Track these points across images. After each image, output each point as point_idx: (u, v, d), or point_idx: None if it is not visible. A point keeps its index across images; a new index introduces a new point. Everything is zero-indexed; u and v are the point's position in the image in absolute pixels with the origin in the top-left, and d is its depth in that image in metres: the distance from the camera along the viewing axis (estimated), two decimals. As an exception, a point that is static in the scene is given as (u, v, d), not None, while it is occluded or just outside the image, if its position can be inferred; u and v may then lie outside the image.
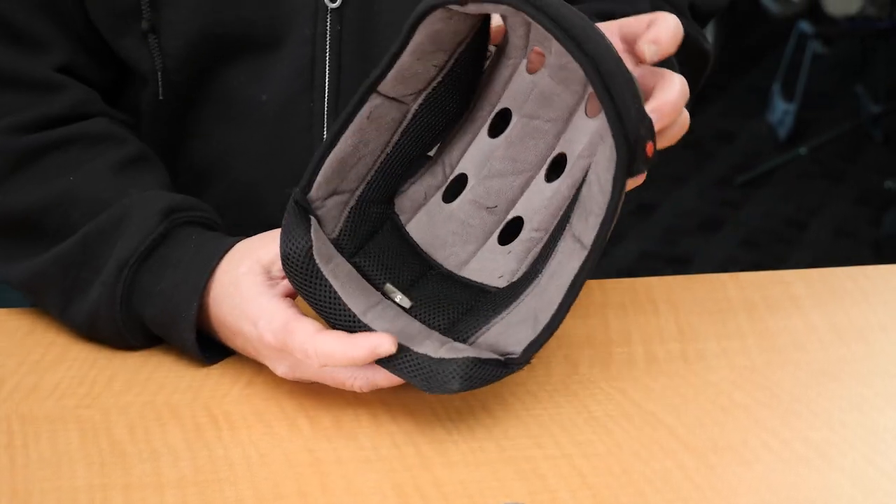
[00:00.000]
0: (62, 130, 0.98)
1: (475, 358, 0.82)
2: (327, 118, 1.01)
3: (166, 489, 0.80)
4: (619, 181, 0.79)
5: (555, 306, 0.82)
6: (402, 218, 0.91)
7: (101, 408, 0.88)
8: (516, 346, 0.83)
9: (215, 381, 0.91)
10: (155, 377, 0.91)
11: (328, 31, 0.99)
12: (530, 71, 0.89)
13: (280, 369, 0.87)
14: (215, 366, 0.93)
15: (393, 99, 0.85)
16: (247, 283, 0.88)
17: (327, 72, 1.00)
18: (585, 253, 0.82)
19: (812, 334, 1.01)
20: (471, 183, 0.91)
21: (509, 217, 0.91)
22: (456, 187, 0.91)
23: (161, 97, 1.01)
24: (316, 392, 0.90)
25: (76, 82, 1.01)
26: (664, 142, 0.86)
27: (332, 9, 0.99)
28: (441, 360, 0.82)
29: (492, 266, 0.90)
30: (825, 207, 3.44)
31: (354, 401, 0.89)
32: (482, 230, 0.91)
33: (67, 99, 0.99)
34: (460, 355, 0.82)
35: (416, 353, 0.83)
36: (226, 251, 0.91)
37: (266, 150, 1.02)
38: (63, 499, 0.78)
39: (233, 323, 0.88)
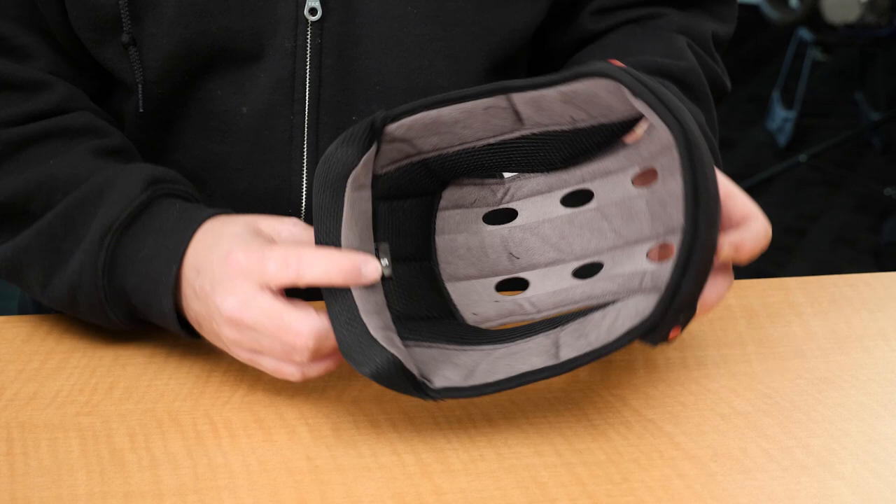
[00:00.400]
0: (44, 123, 0.98)
1: (399, 362, 0.80)
2: (307, 130, 1.01)
3: (166, 497, 0.80)
4: (629, 336, 0.79)
5: (491, 378, 0.82)
6: (442, 203, 0.90)
7: (101, 415, 0.88)
8: (441, 380, 0.82)
9: (216, 388, 0.91)
10: (155, 385, 0.91)
11: (308, 44, 0.99)
12: (634, 183, 0.88)
13: (229, 303, 0.84)
14: (216, 373, 0.93)
15: (517, 113, 0.85)
16: (231, 232, 0.87)
17: (307, 84, 1.00)
18: (553, 362, 0.81)
19: (812, 342, 1.01)
20: (515, 223, 0.91)
21: (520, 275, 0.91)
22: (501, 217, 0.92)
23: (142, 109, 1.01)
24: (316, 400, 0.90)
25: (63, 81, 1.01)
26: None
27: (312, 22, 0.99)
28: (374, 340, 0.81)
29: (475, 300, 0.90)
30: (825, 215, 3.44)
31: (354, 409, 0.89)
32: (491, 268, 0.91)
33: (54, 96, 1.00)
34: (390, 349, 0.80)
35: (360, 318, 0.81)
36: (210, 216, 0.90)
37: (246, 162, 1.02)
38: (63, 507, 0.78)
39: (201, 265, 0.87)
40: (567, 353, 0.81)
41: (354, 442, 0.86)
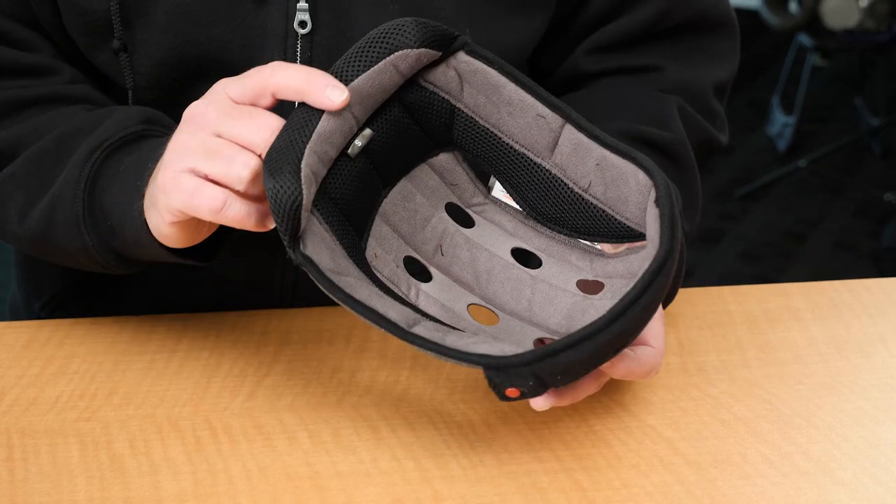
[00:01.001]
0: (45, 89, 0.99)
1: (299, 204, 0.78)
2: None
3: (166, 503, 0.80)
4: (476, 359, 0.77)
5: (350, 290, 0.79)
6: (432, 160, 0.91)
7: (101, 421, 0.88)
8: (313, 250, 0.80)
9: (215, 394, 0.91)
10: (155, 390, 0.91)
11: (298, 57, 0.99)
12: (577, 285, 0.89)
13: (196, 102, 0.84)
14: (216, 379, 0.93)
15: (556, 141, 0.86)
16: None
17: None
18: (404, 328, 0.79)
19: (812, 347, 1.01)
20: (466, 231, 0.91)
21: (429, 268, 0.90)
22: (459, 215, 0.92)
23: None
24: (316, 405, 0.90)
25: (70, 67, 1.02)
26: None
27: (302, 35, 0.98)
28: (298, 170, 0.78)
29: (383, 251, 0.89)
30: (824, 220, 3.45)
31: (354, 414, 0.89)
32: (416, 242, 0.90)
33: (62, 78, 1.01)
34: (302, 183, 0.78)
35: (303, 146, 0.80)
36: None
37: None
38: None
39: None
40: (420, 332, 0.79)
41: (354, 447, 0.86)
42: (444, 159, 0.91)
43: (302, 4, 0.97)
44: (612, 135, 1.03)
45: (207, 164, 0.81)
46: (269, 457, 0.84)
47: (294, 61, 0.99)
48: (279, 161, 0.79)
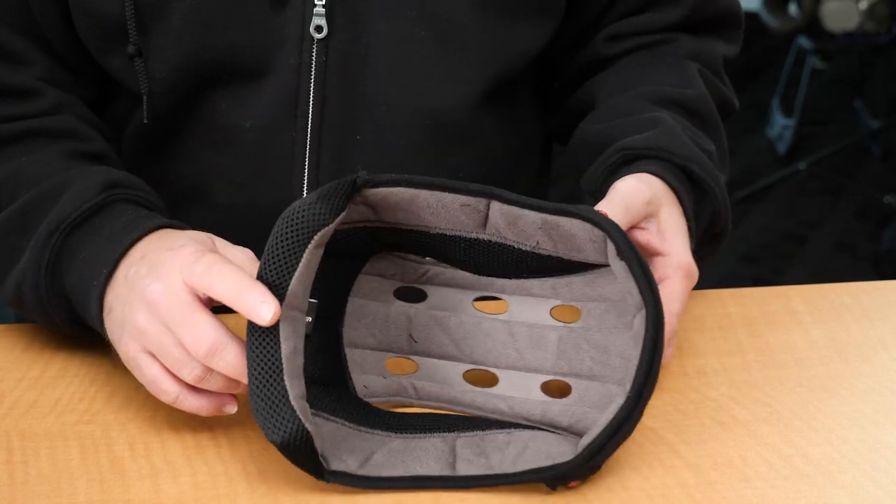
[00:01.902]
0: (25, 123, 0.98)
1: (310, 438, 0.79)
2: (309, 147, 1.01)
3: (166, 506, 0.80)
4: (535, 475, 0.81)
5: (386, 472, 0.82)
6: (365, 268, 0.91)
7: (101, 424, 0.88)
8: (337, 462, 0.81)
9: (215, 397, 0.91)
10: (155, 393, 0.91)
11: (313, 62, 0.99)
12: (552, 314, 0.89)
13: (155, 286, 0.84)
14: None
15: (486, 218, 0.86)
16: (190, 234, 0.88)
17: (311, 102, 1.00)
18: (449, 472, 0.82)
19: (812, 350, 1.01)
20: (422, 306, 0.91)
21: (413, 358, 0.91)
22: (413, 296, 0.92)
23: (146, 120, 1.01)
24: (316, 408, 0.89)
25: (55, 89, 1.01)
26: None
27: (318, 39, 0.98)
28: (292, 409, 0.79)
29: (367, 371, 0.90)
30: (824, 222, 3.44)
31: (354, 417, 0.89)
32: (389, 343, 0.91)
33: (43, 102, 1.00)
34: (304, 421, 0.79)
35: (283, 382, 0.79)
36: (161, 226, 0.90)
37: (247, 176, 1.02)
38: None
39: (148, 252, 0.87)
40: (465, 469, 0.82)
41: (354, 450, 0.86)
42: (375, 261, 0.91)
43: (319, 9, 0.97)
44: (638, 99, 1.03)
45: (162, 357, 0.84)
46: (268, 459, 0.84)
47: (309, 65, 0.99)
48: (270, 411, 0.79)
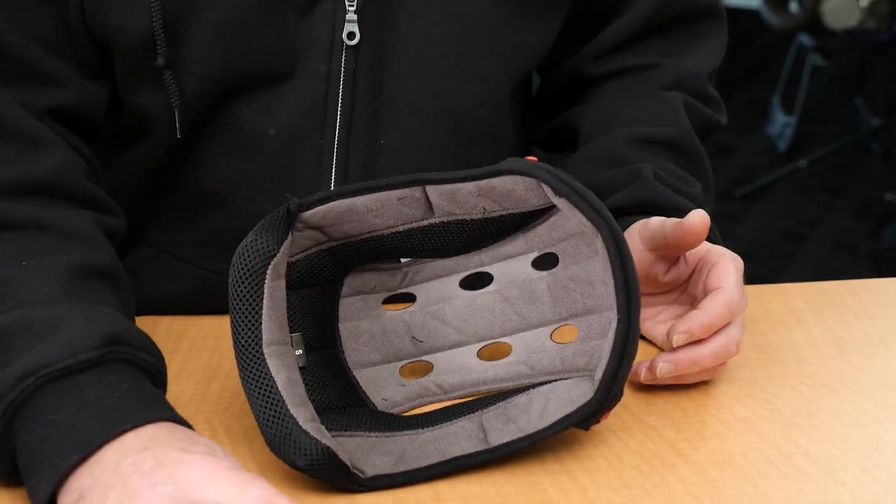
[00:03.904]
0: (38, 210, 0.88)
1: (333, 452, 0.79)
2: (336, 153, 1.01)
3: (167, 503, 0.80)
4: (565, 423, 0.82)
5: (423, 462, 0.82)
6: (344, 291, 0.91)
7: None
8: (371, 468, 0.82)
9: (216, 394, 0.91)
10: (156, 391, 0.91)
11: (343, 68, 0.99)
12: (534, 266, 0.90)
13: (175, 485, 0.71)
14: (216, 379, 0.93)
15: (429, 202, 0.86)
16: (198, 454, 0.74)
17: (339, 108, 1.00)
18: (484, 447, 0.83)
19: (813, 348, 1.01)
20: (414, 307, 0.92)
21: (425, 359, 0.92)
22: (401, 301, 0.92)
23: (179, 135, 0.99)
24: (317, 406, 0.89)
25: (62, 143, 0.94)
26: (689, 370, 0.91)
27: (348, 45, 0.98)
28: (306, 432, 0.79)
29: (382, 385, 0.91)
30: (824, 220, 3.45)
31: (355, 415, 0.89)
32: (395, 353, 0.92)
33: (51, 161, 0.92)
34: (322, 440, 0.79)
35: (289, 413, 0.80)
36: (165, 419, 0.78)
37: (271, 182, 1.02)
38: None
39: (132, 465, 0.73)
40: (497, 438, 0.83)
41: (355, 448, 0.86)
42: (351, 281, 0.91)
43: (351, 16, 0.97)
44: (619, 142, 1.04)
45: None
46: (270, 457, 0.84)
47: (339, 71, 0.98)
48: (286, 442, 0.80)
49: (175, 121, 0.99)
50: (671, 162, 1.05)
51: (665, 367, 0.90)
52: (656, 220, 0.94)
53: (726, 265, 0.93)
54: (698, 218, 0.91)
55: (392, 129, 1.01)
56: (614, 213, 0.98)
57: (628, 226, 0.97)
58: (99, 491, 0.72)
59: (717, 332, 0.91)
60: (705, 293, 0.92)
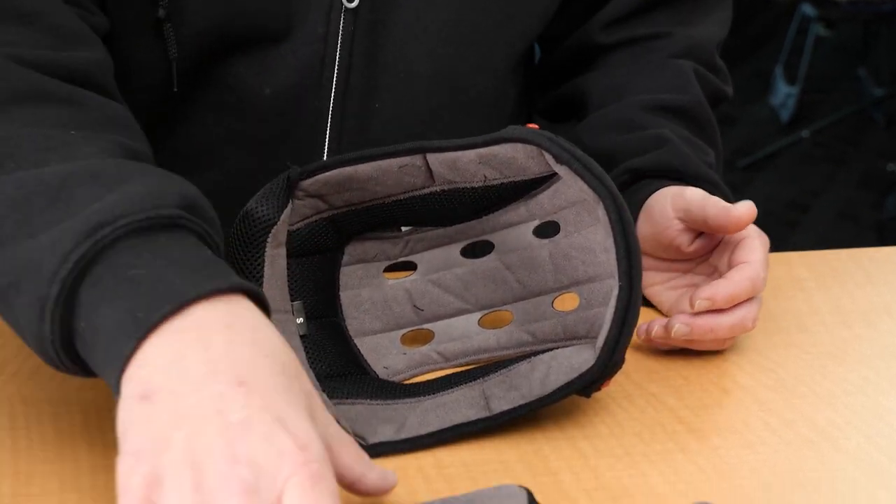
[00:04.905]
0: (81, 92, 0.81)
1: (333, 418, 0.79)
2: (332, 115, 1.01)
3: (169, 471, 0.80)
4: (566, 390, 0.82)
5: (425, 430, 0.82)
6: (344, 259, 0.91)
7: (104, 390, 0.88)
8: (373, 436, 0.82)
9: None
10: (157, 359, 0.91)
11: (341, 30, 0.98)
12: (535, 235, 0.90)
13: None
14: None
15: (430, 170, 0.86)
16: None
17: (336, 71, 0.99)
18: (486, 414, 0.82)
19: (815, 316, 1.00)
20: (416, 275, 0.92)
21: (427, 326, 0.92)
22: (402, 268, 0.92)
23: (176, 88, 0.99)
24: (318, 374, 0.89)
25: (98, 41, 0.89)
26: (704, 336, 0.91)
27: (347, 8, 0.98)
28: None
29: (383, 354, 0.90)
30: (827, 190, 3.44)
31: (357, 383, 0.89)
32: (396, 321, 0.92)
33: (91, 57, 0.86)
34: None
35: None
36: (244, 290, 0.68)
37: (265, 143, 1.02)
38: (66, 480, 0.78)
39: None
40: (499, 405, 0.83)
41: (357, 416, 0.86)
42: (352, 250, 0.91)
43: None
44: (635, 108, 1.04)
45: None
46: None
47: (336, 33, 0.98)
48: None
49: (173, 74, 0.99)
50: (685, 129, 1.05)
51: (681, 328, 0.90)
52: (696, 195, 0.94)
53: (753, 241, 0.93)
54: (747, 209, 0.92)
55: (388, 93, 1.01)
56: (636, 175, 0.98)
57: (655, 189, 0.97)
58: (172, 405, 0.61)
59: (737, 305, 0.91)
60: (730, 267, 0.92)
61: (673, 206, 0.95)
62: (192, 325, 0.64)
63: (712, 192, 0.97)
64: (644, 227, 0.97)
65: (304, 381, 0.66)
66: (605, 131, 1.05)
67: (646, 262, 0.97)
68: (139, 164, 0.73)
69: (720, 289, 0.90)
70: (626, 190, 1.00)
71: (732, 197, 1.00)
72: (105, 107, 0.82)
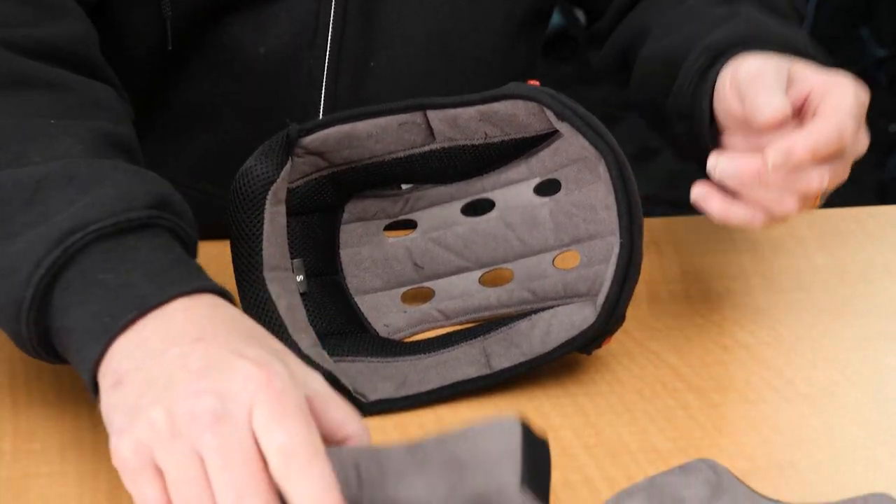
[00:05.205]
0: (64, 74, 0.82)
1: (334, 377, 0.79)
2: (326, 76, 1.00)
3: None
4: (567, 347, 0.82)
5: (425, 387, 0.82)
6: (344, 217, 0.90)
7: (103, 347, 0.88)
8: (373, 393, 0.82)
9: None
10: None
11: None
12: (536, 193, 0.90)
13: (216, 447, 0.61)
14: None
15: (430, 128, 0.86)
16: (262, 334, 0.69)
17: (330, 30, 0.99)
18: (486, 371, 0.82)
19: (816, 274, 1.00)
20: (416, 234, 0.92)
21: (428, 285, 0.91)
22: (402, 227, 0.92)
23: (170, 47, 0.99)
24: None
25: (80, 11, 0.88)
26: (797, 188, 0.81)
27: None
28: (308, 357, 0.80)
29: (384, 311, 0.90)
30: (829, 151, 3.43)
31: (357, 340, 0.89)
32: (397, 279, 0.91)
33: (72, 29, 0.86)
34: (324, 364, 0.80)
35: (291, 338, 0.80)
36: (213, 291, 0.70)
37: (259, 104, 1.01)
38: (66, 437, 0.78)
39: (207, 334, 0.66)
40: (499, 363, 0.83)
41: (357, 373, 0.86)
42: (352, 208, 0.91)
43: None
44: (700, 3, 0.96)
45: (173, 489, 0.62)
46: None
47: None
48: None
49: (167, 32, 0.98)
50: (759, 7, 0.95)
51: (778, 156, 0.78)
52: (749, 69, 0.83)
53: (845, 91, 0.82)
54: (771, 112, 0.80)
55: (382, 52, 1.00)
56: (713, 53, 0.89)
57: (726, 63, 0.87)
58: (141, 379, 0.64)
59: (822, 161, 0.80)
60: (815, 116, 0.81)
61: (730, 79, 0.85)
62: (156, 326, 0.67)
63: (806, 51, 0.89)
64: (717, 106, 0.87)
65: (272, 341, 0.68)
66: (672, 32, 0.96)
67: (737, 142, 0.86)
68: (112, 163, 0.75)
69: (799, 139, 0.78)
70: (707, 74, 0.88)
71: (827, 58, 0.91)
72: (88, 89, 0.83)
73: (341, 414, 0.66)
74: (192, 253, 0.76)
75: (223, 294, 0.71)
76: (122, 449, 0.63)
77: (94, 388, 0.68)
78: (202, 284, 0.69)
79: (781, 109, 0.80)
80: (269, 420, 0.61)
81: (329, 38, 0.99)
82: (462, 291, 0.91)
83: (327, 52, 1.00)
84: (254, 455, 0.60)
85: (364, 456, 0.63)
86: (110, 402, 0.65)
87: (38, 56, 0.82)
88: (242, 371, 0.62)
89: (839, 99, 0.81)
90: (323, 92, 1.00)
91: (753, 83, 0.82)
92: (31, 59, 0.82)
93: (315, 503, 0.59)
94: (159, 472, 0.62)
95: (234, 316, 0.69)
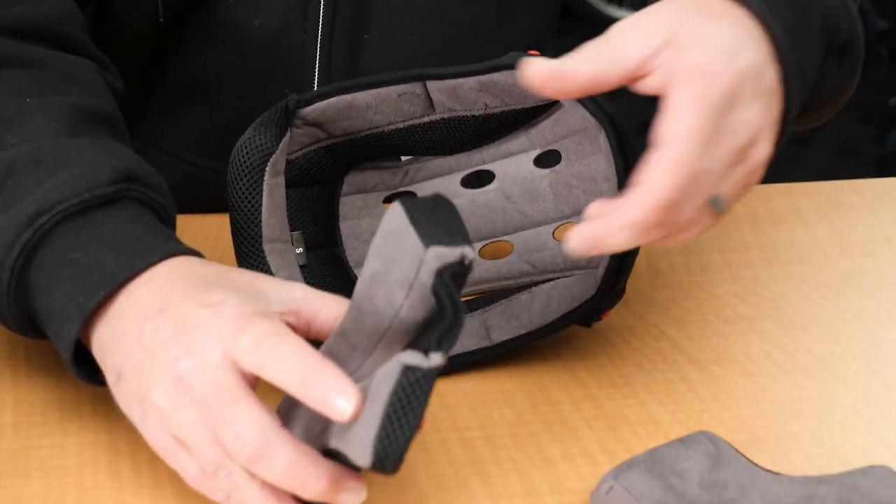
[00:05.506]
0: (40, 51, 0.83)
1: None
2: (320, 49, 1.00)
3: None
4: (567, 320, 0.82)
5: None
6: (344, 189, 0.90)
7: (103, 319, 0.88)
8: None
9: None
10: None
11: None
12: (536, 164, 0.89)
13: (185, 363, 0.66)
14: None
15: (430, 99, 0.85)
16: (234, 279, 0.71)
17: (322, 4, 0.98)
18: (486, 344, 0.83)
19: (816, 247, 1.00)
20: None
21: None
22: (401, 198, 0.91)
23: (162, 19, 0.99)
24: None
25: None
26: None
27: None
28: None
29: None
30: (829, 125, 3.42)
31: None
32: None
33: (53, 6, 0.86)
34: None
35: None
36: (185, 253, 0.73)
37: (255, 77, 1.01)
38: (66, 408, 0.78)
39: (169, 304, 0.69)
40: (500, 335, 0.83)
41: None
42: (351, 179, 0.90)
43: None
44: None
45: (193, 453, 0.67)
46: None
47: None
48: None
49: (158, 3, 0.98)
50: None
51: (578, 245, 0.67)
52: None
53: (677, 104, 0.68)
54: (532, 70, 0.69)
55: (376, 23, 1.00)
56: None
57: None
58: (133, 367, 0.68)
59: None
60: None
61: None
62: (129, 305, 0.70)
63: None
64: None
65: (237, 275, 0.71)
66: None
67: None
68: (78, 142, 0.76)
69: (606, 225, 0.67)
70: None
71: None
72: (63, 65, 0.83)
73: (333, 307, 0.70)
74: (169, 220, 0.78)
75: (191, 253, 0.73)
76: (149, 437, 0.69)
77: (75, 367, 0.72)
78: (167, 250, 0.72)
79: (540, 70, 0.69)
80: (233, 338, 0.65)
81: (321, 8, 0.99)
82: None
83: (320, 24, 0.99)
84: (238, 381, 0.65)
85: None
86: (121, 397, 0.70)
87: (14, 35, 0.83)
88: (204, 321, 0.67)
89: (669, 128, 0.68)
90: (317, 64, 1.00)
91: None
92: (7, 38, 0.82)
93: (297, 369, 0.63)
94: (181, 441, 0.67)
95: (192, 269, 0.71)
